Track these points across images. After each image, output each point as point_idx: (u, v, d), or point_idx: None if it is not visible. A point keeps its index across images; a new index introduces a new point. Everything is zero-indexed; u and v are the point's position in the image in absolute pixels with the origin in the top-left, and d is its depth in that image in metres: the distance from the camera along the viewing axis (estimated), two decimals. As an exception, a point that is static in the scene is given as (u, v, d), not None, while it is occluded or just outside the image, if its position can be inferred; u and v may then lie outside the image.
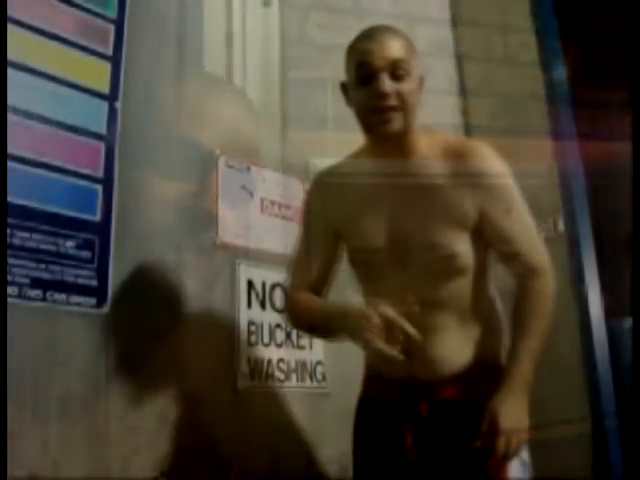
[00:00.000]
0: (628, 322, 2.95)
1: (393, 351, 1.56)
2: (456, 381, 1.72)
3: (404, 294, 1.67)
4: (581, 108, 3.23)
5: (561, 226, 3.02)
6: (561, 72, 3.23)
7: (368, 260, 1.80)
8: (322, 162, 2.58)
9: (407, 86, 1.67)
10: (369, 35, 1.70)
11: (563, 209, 3.04)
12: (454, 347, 1.74)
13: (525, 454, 1.71)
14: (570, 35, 3.34)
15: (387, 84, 1.64)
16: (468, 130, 3.53)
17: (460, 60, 3.64)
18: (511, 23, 3.44)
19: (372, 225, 1.77)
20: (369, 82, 1.66)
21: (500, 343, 1.80)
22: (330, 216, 1.86)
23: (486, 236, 1.74)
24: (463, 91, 3.60)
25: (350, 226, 1.82)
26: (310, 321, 1.87)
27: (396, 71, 1.65)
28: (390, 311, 1.58)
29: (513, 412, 1.62)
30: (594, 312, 2.89)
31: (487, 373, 1.71)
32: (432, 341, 1.70)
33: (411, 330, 1.56)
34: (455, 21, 3.69)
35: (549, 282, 1.76)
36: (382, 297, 1.69)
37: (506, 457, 1.59)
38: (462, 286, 1.75)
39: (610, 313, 2.95)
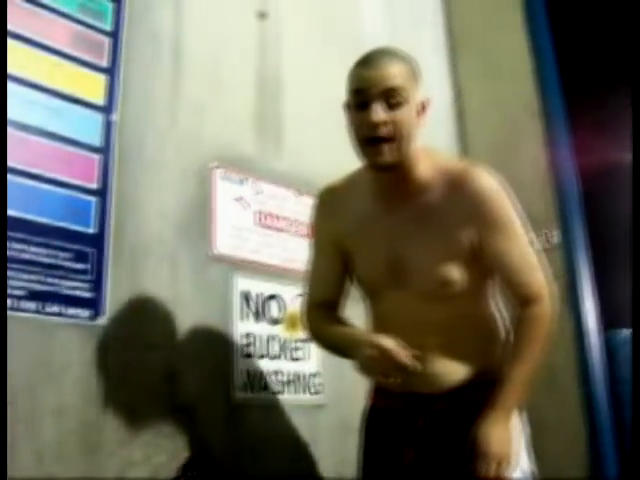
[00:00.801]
0: (624, 333, 2.96)
1: (391, 379, 1.65)
2: (453, 395, 1.77)
3: (404, 315, 1.77)
4: (576, 119, 3.24)
5: (556, 237, 3.03)
6: (555, 83, 3.25)
7: (370, 280, 1.86)
8: (318, 174, 2.62)
9: (402, 114, 1.67)
10: (367, 61, 1.71)
11: (558, 220, 3.05)
12: (452, 363, 1.78)
13: (526, 465, 1.75)
14: (564, 44, 3.36)
15: (379, 114, 1.64)
16: (464, 143, 3.54)
17: (455, 70, 3.67)
18: (505, 31, 3.46)
19: (372, 249, 1.82)
20: (364, 108, 1.67)
21: (500, 358, 1.80)
22: (334, 233, 1.90)
23: (485, 262, 1.76)
24: (459, 104, 3.62)
25: (352, 246, 1.87)
26: (324, 343, 1.95)
27: (391, 99, 1.66)
28: (389, 344, 1.64)
29: (497, 435, 1.64)
30: (590, 323, 2.90)
31: (483, 387, 1.73)
32: (431, 357, 1.75)
33: (408, 361, 1.62)
34: (450, 30, 3.73)
35: (547, 309, 1.76)
36: (385, 315, 1.83)
37: (490, 476, 1.60)
38: (459, 307, 1.77)
39: (606, 324, 2.95)
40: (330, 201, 1.94)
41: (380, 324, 1.84)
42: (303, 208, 2.61)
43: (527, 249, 1.78)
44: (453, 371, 1.78)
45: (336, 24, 3.09)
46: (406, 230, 1.77)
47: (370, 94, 1.66)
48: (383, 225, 1.80)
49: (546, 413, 2.91)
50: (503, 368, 1.73)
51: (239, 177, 2.50)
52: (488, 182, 1.75)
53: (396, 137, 1.66)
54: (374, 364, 1.65)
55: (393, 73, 1.67)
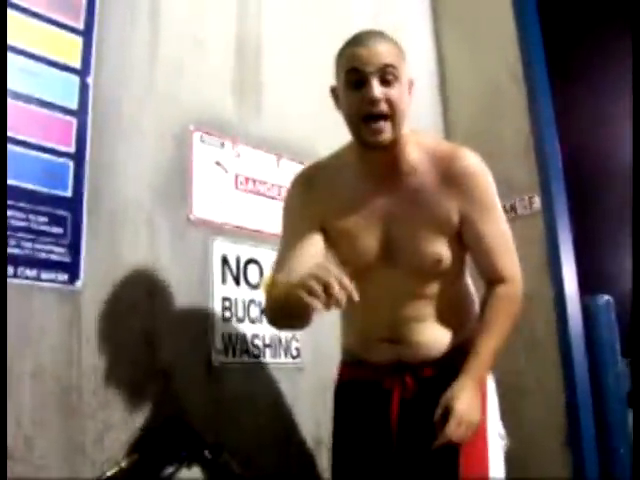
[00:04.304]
0: (602, 299, 2.98)
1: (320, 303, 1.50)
2: (437, 362, 1.86)
3: (393, 290, 1.83)
4: (560, 86, 3.24)
5: (537, 203, 3.03)
6: (539, 49, 3.24)
7: (361, 261, 1.85)
8: (298, 137, 2.60)
9: (396, 91, 1.71)
10: (359, 41, 1.74)
11: (540, 186, 3.05)
12: (437, 333, 1.87)
13: (500, 427, 1.88)
14: (549, 11, 3.35)
15: (377, 89, 1.68)
16: (446, 109, 3.53)
17: (438, 35, 3.65)
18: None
19: (362, 228, 1.84)
20: (359, 87, 1.71)
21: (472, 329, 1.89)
22: (318, 213, 1.88)
23: (466, 239, 1.85)
24: (442, 70, 3.60)
25: (342, 229, 1.86)
26: (278, 307, 1.81)
27: (385, 76, 1.70)
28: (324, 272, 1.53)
29: (465, 399, 1.69)
30: (569, 288, 2.91)
31: (462, 356, 1.80)
32: (420, 328, 1.86)
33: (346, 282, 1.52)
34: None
35: (518, 290, 1.87)
36: (372, 291, 1.77)
37: (455, 437, 1.66)
38: (444, 282, 1.86)
39: (585, 289, 2.97)
40: (313, 180, 1.93)
41: (367, 300, 1.76)
42: (282, 172, 2.60)
43: (506, 232, 1.88)
44: (440, 339, 1.87)
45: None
46: (398, 210, 1.82)
47: (366, 71, 1.69)
48: (374, 206, 1.83)
49: (526, 377, 2.94)
50: (473, 339, 1.81)
51: (218, 140, 2.48)
52: (475, 164, 1.83)
53: (392, 114, 1.71)
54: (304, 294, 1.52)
55: (387, 51, 1.72)
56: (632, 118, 2.25)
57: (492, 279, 1.86)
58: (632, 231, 2.13)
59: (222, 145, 2.49)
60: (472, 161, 1.83)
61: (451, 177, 1.79)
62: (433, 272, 1.83)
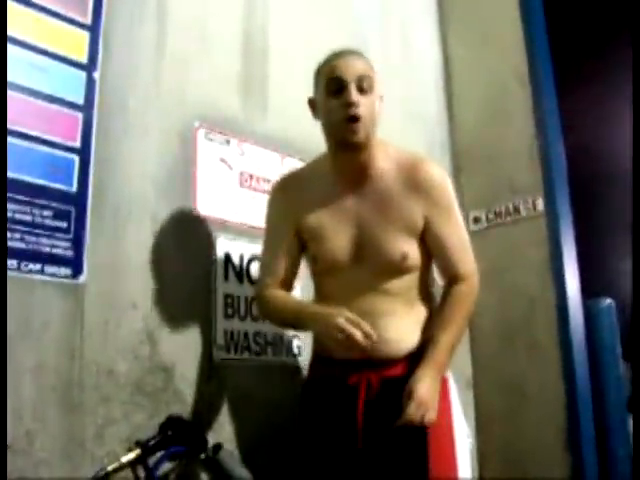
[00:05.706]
0: (604, 302, 2.98)
1: (356, 346, 1.78)
2: (405, 360, 1.96)
3: (362, 287, 1.98)
4: (565, 87, 3.24)
5: (540, 205, 3.03)
6: (545, 51, 3.24)
7: (332, 257, 2.02)
8: (303, 135, 2.60)
9: (370, 100, 1.94)
10: (338, 55, 1.98)
11: (543, 188, 3.05)
12: (405, 330, 1.99)
13: (466, 427, 2.02)
14: (555, 12, 3.35)
15: (355, 94, 1.90)
16: (452, 110, 3.53)
17: (445, 35, 3.64)
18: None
19: (333, 228, 2.01)
20: (339, 93, 1.92)
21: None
22: (293, 216, 2.07)
23: (428, 240, 2.02)
24: (448, 71, 3.60)
25: (314, 229, 2.05)
26: (280, 318, 2.12)
27: (362, 84, 1.92)
28: (354, 317, 1.80)
29: (425, 385, 1.83)
30: (571, 291, 2.91)
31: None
32: (386, 324, 1.95)
33: (369, 330, 1.78)
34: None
35: (474, 287, 2.05)
36: (341, 288, 2.00)
37: (415, 420, 1.79)
38: (411, 280, 2.01)
39: (587, 293, 2.97)
40: (289, 187, 2.14)
41: (335, 296, 2.01)
42: (287, 170, 2.60)
43: (463, 234, 2.07)
44: (405, 337, 1.98)
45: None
46: (367, 211, 2.00)
47: (345, 80, 1.91)
48: (344, 208, 2.02)
49: (527, 379, 2.95)
50: (432, 334, 1.96)
51: (223, 138, 2.49)
52: (439, 174, 2.04)
53: (366, 118, 1.92)
54: (335, 338, 1.80)
55: (363, 63, 1.97)
56: (632, 118, 2.25)
57: (450, 277, 2.03)
58: (632, 230, 2.16)
59: (227, 142, 2.49)
60: (436, 171, 2.03)
61: (416, 184, 1.99)
62: (399, 269, 1.98)
